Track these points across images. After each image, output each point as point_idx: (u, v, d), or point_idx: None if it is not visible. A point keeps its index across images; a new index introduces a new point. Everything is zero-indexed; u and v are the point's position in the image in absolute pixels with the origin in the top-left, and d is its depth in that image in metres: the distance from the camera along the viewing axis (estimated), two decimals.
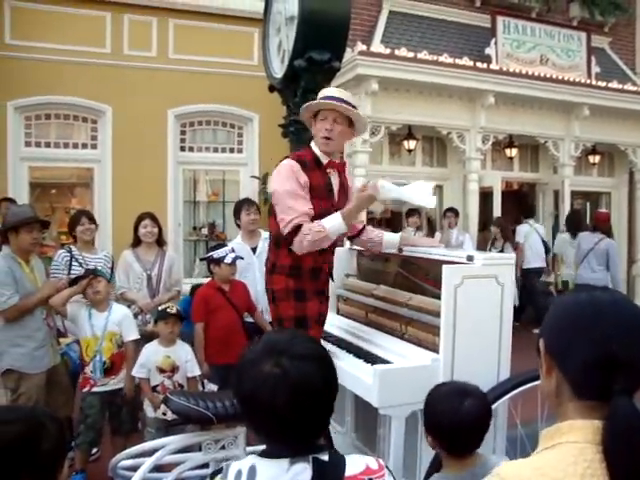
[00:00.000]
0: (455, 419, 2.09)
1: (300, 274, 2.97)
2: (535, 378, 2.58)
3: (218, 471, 1.39)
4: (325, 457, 1.36)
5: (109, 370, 3.92)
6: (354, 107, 3.00)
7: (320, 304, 3.05)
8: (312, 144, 3.09)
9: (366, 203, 3.00)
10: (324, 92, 3.07)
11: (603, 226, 7.38)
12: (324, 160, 3.02)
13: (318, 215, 2.90)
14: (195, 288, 5.80)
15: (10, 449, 1.39)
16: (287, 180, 2.89)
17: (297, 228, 2.83)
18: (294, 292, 2.97)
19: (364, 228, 3.41)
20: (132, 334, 4.04)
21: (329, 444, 3.13)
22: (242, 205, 5.00)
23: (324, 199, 2.98)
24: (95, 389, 3.87)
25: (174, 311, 3.93)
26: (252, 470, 1.33)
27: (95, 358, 3.88)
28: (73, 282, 4.07)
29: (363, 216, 3.52)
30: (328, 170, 3.04)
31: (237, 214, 5.00)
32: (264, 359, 1.35)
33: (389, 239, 3.36)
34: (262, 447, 1.43)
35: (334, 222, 2.86)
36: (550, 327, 1.22)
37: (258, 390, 1.32)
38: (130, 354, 3.97)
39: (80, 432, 3.88)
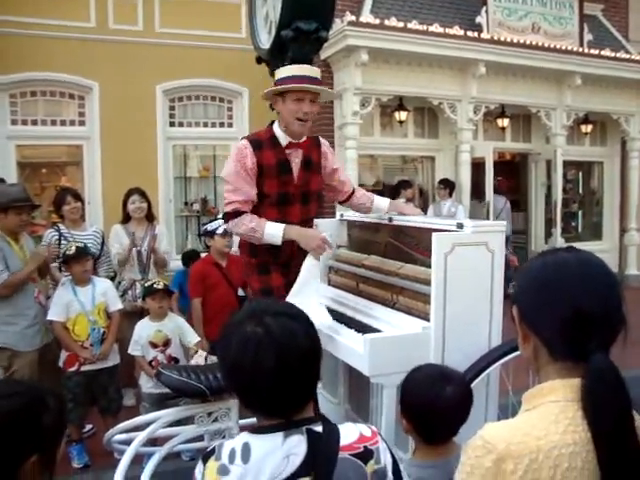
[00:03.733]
0: (435, 406, 2.00)
1: (259, 252, 3.06)
2: (514, 349, 2.59)
3: (210, 453, 1.35)
4: (319, 428, 1.34)
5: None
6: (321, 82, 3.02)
7: (284, 276, 3.08)
8: (275, 124, 3.06)
9: (306, 243, 2.90)
10: (288, 72, 2.97)
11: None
12: (284, 141, 3.02)
13: (272, 193, 2.98)
14: (186, 256, 5.81)
15: (12, 422, 1.39)
16: (236, 162, 2.94)
17: (237, 213, 2.94)
18: (256, 266, 3.10)
19: (354, 192, 3.42)
20: (117, 303, 4.08)
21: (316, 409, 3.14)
22: None
23: (276, 178, 2.99)
24: (83, 368, 3.84)
25: (161, 286, 3.93)
26: (246, 447, 1.31)
27: (93, 332, 3.86)
28: (65, 261, 4.04)
29: (356, 185, 3.50)
30: (288, 150, 3.03)
31: None
32: (246, 321, 1.34)
33: (378, 203, 3.39)
34: (254, 420, 1.41)
35: (273, 232, 2.92)
36: (521, 293, 1.23)
37: (243, 352, 1.30)
38: (116, 322, 4.01)
39: (69, 410, 3.88)
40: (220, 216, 5.04)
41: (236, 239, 4.41)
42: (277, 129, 3.03)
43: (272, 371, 1.28)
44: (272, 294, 3.03)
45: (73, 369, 3.85)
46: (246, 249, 3.13)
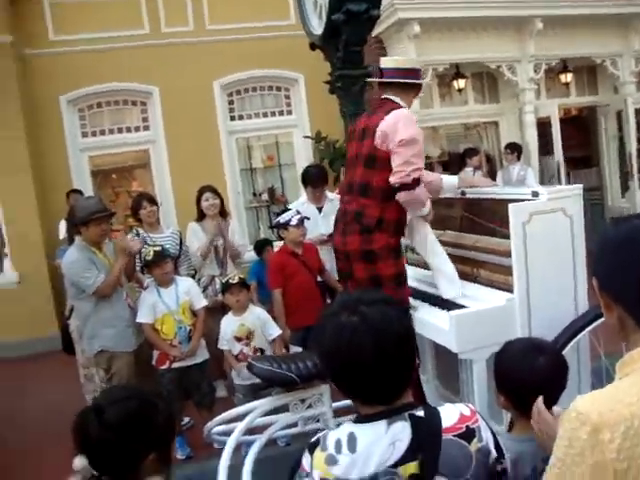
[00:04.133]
0: (530, 377, 1.96)
1: (400, 230, 3.06)
2: (601, 314, 2.53)
3: (315, 444, 1.39)
4: (420, 413, 1.36)
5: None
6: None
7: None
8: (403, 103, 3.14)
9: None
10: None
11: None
12: None
13: None
14: (259, 245, 5.92)
15: (129, 424, 1.52)
16: (417, 127, 2.98)
17: (416, 182, 2.90)
18: (394, 249, 3.02)
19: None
20: (201, 301, 4.18)
21: (421, 396, 3.16)
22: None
23: None
24: (174, 365, 3.99)
25: (236, 280, 4.03)
26: (351, 437, 1.34)
27: (180, 330, 4.01)
28: (145, 267, 4.20)
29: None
30: None
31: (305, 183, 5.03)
32: (341, 312, 1.37)
33: (448, 182, 3.35)
34: (348, 402, 1.45)
35: (449, 182, 3.23)
36: (599, 264, 1.21)
37: (340, 341, 1.33)
38: (201, 320, 4.11)
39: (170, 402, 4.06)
40: (292, 205, 5.09)
41: (306, 225, 4.48)
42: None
43: (370, 357, 1.31)
44: (404, 280, 3.07)
45: (165, 367, 4.01)
46: (390, 228, 3.01)
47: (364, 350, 1.31)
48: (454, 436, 1.35)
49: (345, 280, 3.29)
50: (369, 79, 3.42)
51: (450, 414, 1.39)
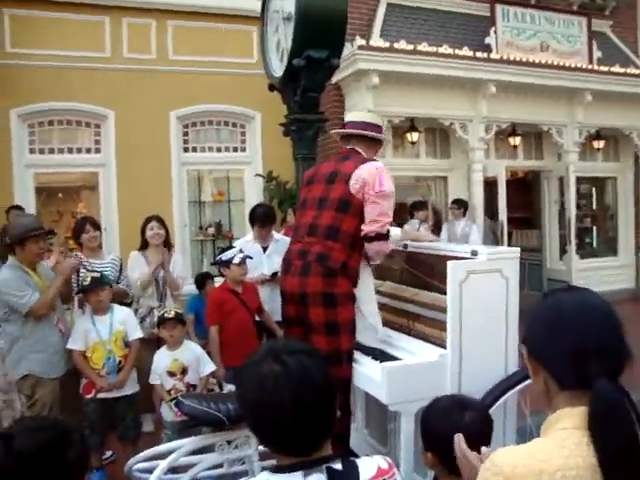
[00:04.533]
0: (456, 433, 1.95)
1: (357, 277, 3.10)
2: (528, 376, 2.60)
3: None
4: (338, 466, 1.35)
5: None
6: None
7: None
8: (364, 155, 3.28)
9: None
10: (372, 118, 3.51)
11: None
12: None
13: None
14: (199, 278, 5.87)
15: (39, 456, 1.45)
16: (391, 183, 3.06)
17: (388, 234, 3.03)
18: (352, 296, 3.07)
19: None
20: (136, 332, 4.07)
21: (346, 444, 3.14)
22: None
23: None
24: (100, 395, 3.87)
25: (172, 315, 3.96)
26: None
27: (108, 361, 3.89)
28: (80, 292, 4.12)
29: None
30: None
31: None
32: (263, 360, 1.36)
33: (392, 234, 3.37)
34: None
35: (394, 235, 3.19)
36: (528, 333, 1.34)
37: (261, 391, 1.32)
38: (134, 352, 4.00)
39: (85, 436, 3.91)
40: (237, 241, 5.09)
41: (249, 265, 4.47)
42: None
43: (289, 408, 1.30)
44: (355, 327, 3.10)
45: (90, 396, 3.88)
46: (353, 275, 3.07)
47: (283, 400, 1.30)
48: None
49: (290, 325, 3.25)
50: (340, 130, 3.50)
51: (368, 467, 1.39)
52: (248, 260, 4.41)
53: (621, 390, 1.18)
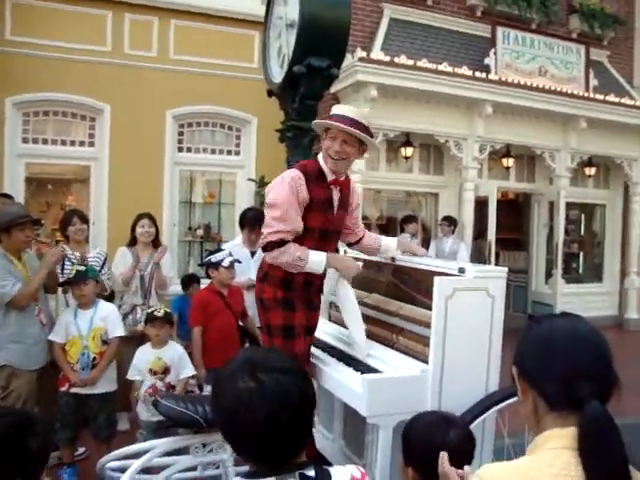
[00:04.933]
0: (441, 450, 1.93)
1: (291, 287, 2.98)
2: (511, 395, 2.62)
3: None
4: (311, 472, 1.34)
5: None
6: (366, 128, 2.95)
7: (308, 314, 3.06)
8: (319, 157, 3.05)
9: (345, 270, 3.02)
10: (337, 110, 3.00)
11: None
12: (329, 176, 3.00)
13: (315, 228, 2.95)
14: (186, 279, 5.85)
15: None
16: (290, 191, 2.86)
17: (283, 242, 2.85)
18: (282, 301, 2.98)
19: (364, 235, 3.42)
20: (117, 330, 4.00)
21: (314, 451, 3.13)
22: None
23: (322, 213, 2.98)
24: (73, 390, 3.82)
25: (161, 314, 3.94)
26: None
27: (82, 356, 3.85)
28: (62, 284, 4.09)
29: (361, 224, 3.51)
30: (331, 186, 3.02)
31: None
32: (239, 374, 1.34)
33: (387, 244, 3.38)
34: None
35: (317, 261, 2.90)
36: (520, 355, 1.38)
37: (236, 405, 1.31)
38: (112, 350, 3.93)
39: (56, 429, 3.90)
40: (226, 244, 5.08)
41: (236, 269, 4.47)
42: (322, 163, 3.01)
43: (263, 424, 1.29)
44: (293, 332, 2.97)
45: (64, 389, 3.85)
46: (275, 282, 2.99)
47: (257, 417, 1.29)
48: None
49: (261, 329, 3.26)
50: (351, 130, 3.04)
51: (341, 476, 1.39)
52: (236, 264, 4.41)
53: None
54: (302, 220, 2.91)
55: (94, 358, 3.87)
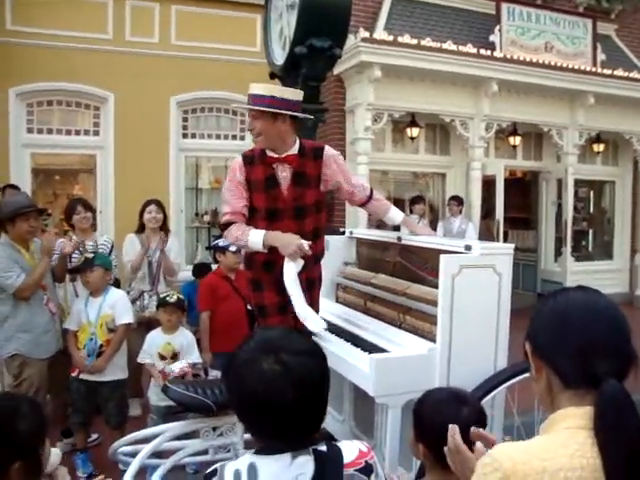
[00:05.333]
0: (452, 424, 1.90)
1: (253, 266, 3.13)
2: (520, 372, 2.61)
3: (211, 474, 1.36)
4: (323, 448, 1.37)
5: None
6: (270, 98, 2.93)
7: (280, 294, 3.04)
8: None
9: (283, 248, 2.89)
10: (249, 90, 3.05)
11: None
12: (268, 154, 3.05)
13: (261, 207, 3.04)
14: (197, 268, 5.85)
15: None
16: (229, 176, 3.09)
17: (228, 224, 3.01)
18: (252, 282, 3.15)
19: (370, 198, 3.34)
20: (125, 317, 3.97)
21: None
22: None
23: (264, 193, 3.03)
24: (82, 376, 3.86)
25: (173, 300, 3.95)
26: (252, 468, 1.32)
27: (90, 343, 3.87)
28: (70, 271, 4.10)
29: (362, 191, 3.41)
30: (274, 165, 3.04)
31: None
32: (262, 357, 1.34)
33: (392, 216, 3.35)
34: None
35: (255, 239, 2.93)
36: (534, 330, 1.32)
37: (262, 387, 1.31)
38: (118, 337, 3.93)
39: (69, 414, 3.95)
40: None
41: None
42: None
43: (289, 407, 1.31)
44: (265, 312, 3.09)
45: (74, 374, 3.89)
46: (245, 263, 3.21)
47: (283, 399, 1.31)
48: (355, 471, 1.38)
49: None
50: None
51: (350, 450, 1.42)
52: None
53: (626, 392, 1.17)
54: (248, 201, 3.04)
55: (101, 345, 3.89)
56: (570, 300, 1.30)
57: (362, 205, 3.37)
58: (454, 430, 1.76)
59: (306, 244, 2.88)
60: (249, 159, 3.05)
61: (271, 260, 3.01)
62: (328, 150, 3.20)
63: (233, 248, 4.32)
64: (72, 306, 4.14)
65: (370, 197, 3.33)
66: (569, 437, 1.16)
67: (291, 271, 2.93)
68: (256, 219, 3.05)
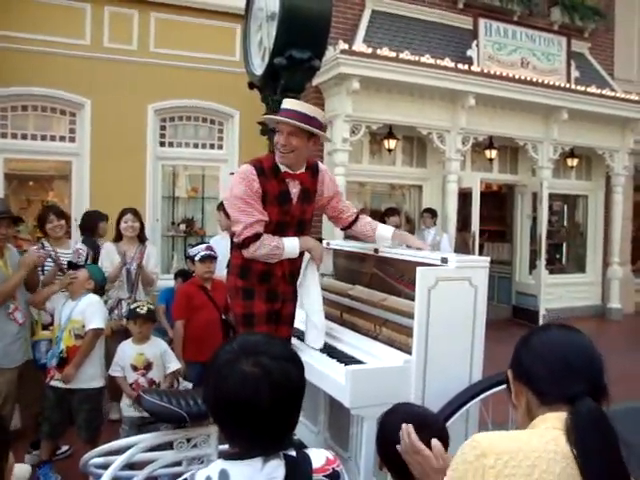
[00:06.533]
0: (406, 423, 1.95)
1: (248, 276, 3.07)
2: (495, 384, 2.64)
3: None
4: (293, 453, 1.39)
5: (65, 363, 3.71)
6: (312, 119, 2.95)
7: (269, 304, 3.10)
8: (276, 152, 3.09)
9: (315, 250, 3.15)
10: (285, 104, 3.02)
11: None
12: (282, 170, 3.04)
13: (273, 222, 3.01)
14: (180, 274, 5.82)
15: None
16: (244, 185, 2.94)
17: (258, 236, 2.94)
18: (242, 291, 3.09)
19: (357, 218, 3.38)
20: (93, 322, 3.78)
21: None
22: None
23: (276, 206, 3.01)
24: (52, 382, 3.74)
25: (143, 311, 3.88)
26: (223, 474, 1.32)
27: (55, 346, 3.80)
28: (70, 267, 4.09)
29: (349, 210, 3.47)
30: (287, 180, 3.05)
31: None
32: (242, 359, 1.36)
33: (381, 232, 3.33)
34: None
35: (292, 245, 3.01)
36: (518, 358, 1.46)
37: (240, 389, 1.32)
38: (87, 342, 3.76)
39: (40, 423, 3.86)
40: (212, 238, 5.06)
41: (219, 261, 4.47)
42: (277, 158, 3.05)
43: (266, 411, 1.33)
44: (253, 321, 3.06)
45: (47, 380, 3.80)
46: (235, 272, 3.11)
47: (263, 404, 1.32)
48: (324, 476, 1.41)
49: None
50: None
51: (318, 457, 1.45)
52: (222, 257, 4.38)
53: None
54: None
55: (61, 351, 3.73)
56: (553, 334, 1.45)
57: (348, 226, 3.39)
58: (409, 429, 1.78)
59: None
60: (261, 170, 2.99)
61: (268, 271, 3.06)
62: (321, 166, 3.28)
63: (198, 257, 4.33)
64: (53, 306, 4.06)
65: (357, 218, 3.39)
66: (545, 432, 1.28)
67: (316, 276, 3.14)
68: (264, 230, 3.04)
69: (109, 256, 4.81)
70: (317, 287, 3.20)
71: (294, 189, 3.07)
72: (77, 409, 3.77)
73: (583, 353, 1.39)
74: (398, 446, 1.86)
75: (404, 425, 1.80)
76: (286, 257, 3.03)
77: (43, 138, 7.78)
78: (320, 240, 3.53)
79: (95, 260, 4.76)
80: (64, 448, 4.21)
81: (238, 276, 3.10)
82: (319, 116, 3.03)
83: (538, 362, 1.39)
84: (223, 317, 4.42)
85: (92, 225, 5.46)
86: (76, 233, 7.09)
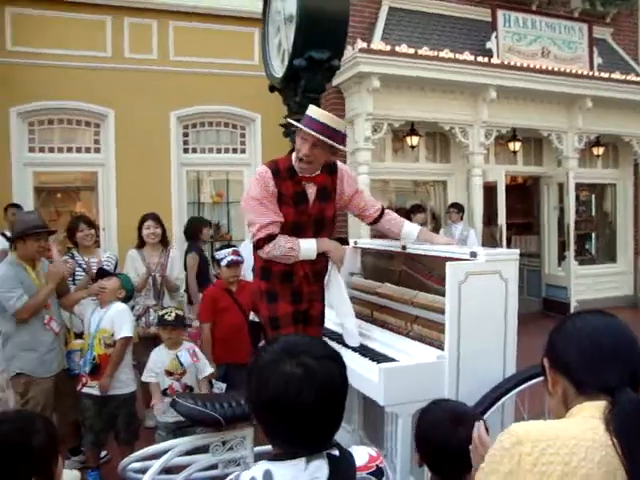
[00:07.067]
0: (448, 445, 1.97)
1: (270, 277, 3.10)
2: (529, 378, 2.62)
3: None
4: (336, 452, 1.37)
5: (98, 370, 3.80)
6: (337, 132, 2.95)
7: (294, 305, 3.11)
8: (293, 154, 3.09)
9: (335, 252, 3.16)
10: (311, 112, 2.99)
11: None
12: (299, 173, 3.05)
13: (289, 222, 3.02)
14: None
15: (4, 445, 1.53)
16: (259, 187, 2.98)
17: (271, 237, 2.97)
18: (266, 294, 3.11)
19: (382, 215, 3.38)
20: (123, 331, 3.86)
21: None
22: None
23: (293, 207, 3.03)
24: (85, 389, 3.81)
25: (171, 318, 3.90)
26: (268, 475, 1.32)
27: (87, 353, 3.86)
28: (98, 277, 4.14)
29: (378, 204, 3.47)
30: (303, 182, 3.06)
31: None
32: (285, 360, 1.35)
33: (408, 230, 3.33)
34: (270, 447, 1.42)
35: (308, 247, 3.02)
36: (553, 346, 1.44)
37: (283, 390, 1.31)
38: (117, 351, 3.84)
39: (82, 434, 3.93)
40: (242, 243, 5.08)
41: (247, 264, 4.48)
42: (294, 160, 3.05)
43: (310, 411, 1.31)
44: (278, 323, 3.08)
45: (79, 388, 3.85)
46: (259, 274, 3.15)
47: (306, 404, 1.31)
48: (367, 474, 1.43)
49: None
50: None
51: (361, 454, 1.47)
52: (249, 259, 4.39)
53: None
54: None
55: (94, 357, 3.81)
56: (589, 321, 1.41)
57: (374, 222, 3.39)
58: (480, 427, 1.77)
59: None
60: (276, 171, 3.01)
61: (290, 271, 3.07)
62: (341, 165, 3.28)
63: (224, 262, 4.34)
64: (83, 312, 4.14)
65: (382, 213, 3.37)
66: (583, 421, 1.26)
67: (340, 279, 3.16)
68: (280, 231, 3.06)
69: (133, 264, 4.86)
70: (341, 289, 3.21)
71: (310, 189, 3.09)
72: (115, 414, 3.87)
73: (620, 337, 1.36)
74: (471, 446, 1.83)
75: (476, 423, 1.79)
76: (303, 258, 3.03)
77: (69, 150, 7.92)
78: (342, 239, 3.52)
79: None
80: (103, 453, 4.26)
81: (261, 278, 3.14)
82: (343, 128, 3.05)
83: (573, 347, 1.37)
84: (251, 319, 4.44)
85: (196, 231, 5.52)
86: (104, 242, 7.23)
